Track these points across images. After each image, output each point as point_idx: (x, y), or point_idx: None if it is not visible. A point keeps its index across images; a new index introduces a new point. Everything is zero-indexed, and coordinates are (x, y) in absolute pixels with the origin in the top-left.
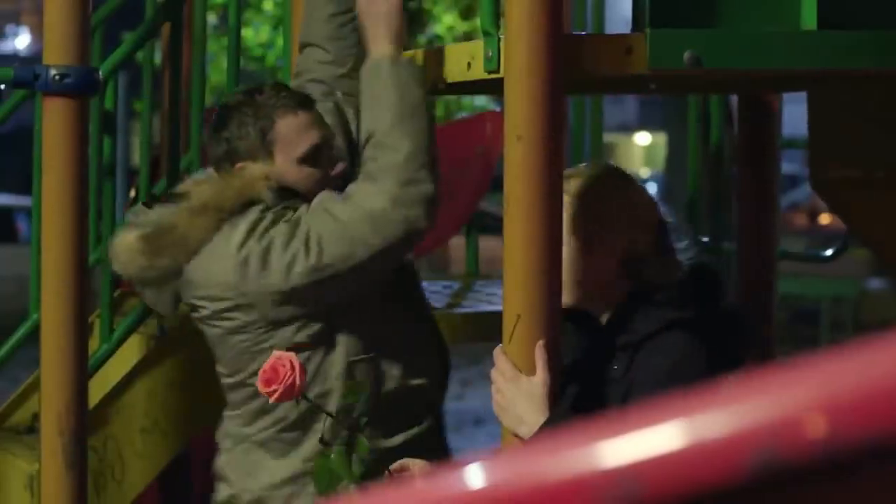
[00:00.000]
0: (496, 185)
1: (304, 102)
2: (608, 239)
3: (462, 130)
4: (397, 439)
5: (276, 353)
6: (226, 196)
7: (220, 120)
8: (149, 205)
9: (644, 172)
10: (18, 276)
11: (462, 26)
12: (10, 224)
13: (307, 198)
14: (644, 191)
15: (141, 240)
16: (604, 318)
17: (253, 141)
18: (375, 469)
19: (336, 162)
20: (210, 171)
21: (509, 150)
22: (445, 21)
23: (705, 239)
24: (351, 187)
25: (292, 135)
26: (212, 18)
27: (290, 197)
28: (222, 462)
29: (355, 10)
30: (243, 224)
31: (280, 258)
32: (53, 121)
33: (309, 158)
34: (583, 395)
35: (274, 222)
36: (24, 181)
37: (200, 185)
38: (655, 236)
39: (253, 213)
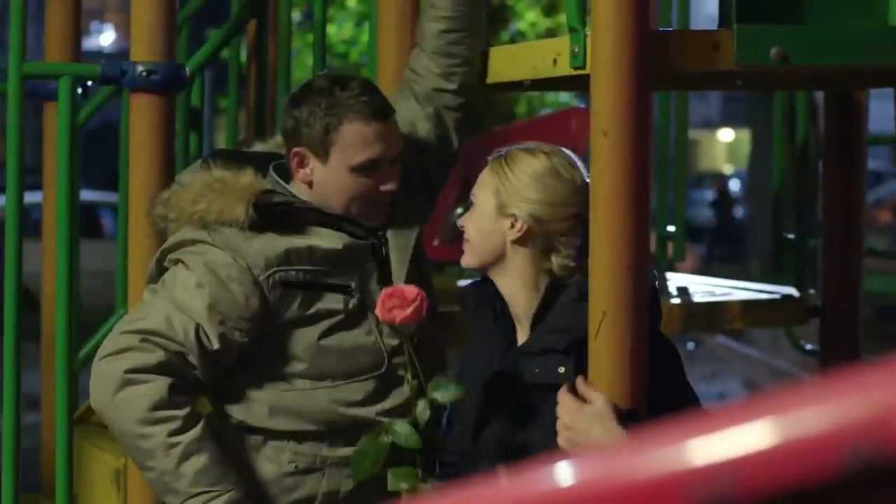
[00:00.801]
0: None
1: (381, 112)
2: (517, 208)
3: (546, 127)
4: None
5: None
6: (209, 213)
7: (299, 96)
8: (205, 163)
9: (727, 169)
10: (103, 271)
11: (545, 23)
12: (95, 220)
13: (293, 220)
14: (576, 185)
15: (160, 200)
16: (520, 309)
17: (316, 133)
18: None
19: (389, 179)
20: (278, 138)
21: (595, 146)
22: (528, 17)
23: (790, 235)
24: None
25: (355, 142)
26: (295, 15)
27: (270, 223)
28: None
29: (468, 28)
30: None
31: (168, 282)
32: (140, 117)
33: (363, 169)
34: (544, 405)
35: (191, 265)
36: (109, 177)
37: (213, 180)
38: (571, 226)
39: (210, 239)
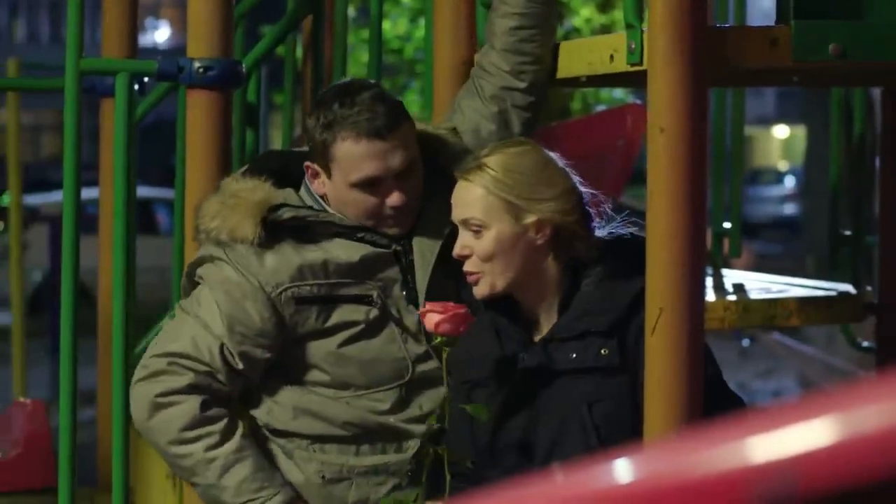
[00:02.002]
0: (635, 178)
1: (377, 130)
2: (538, 212)
3: (602, 123)
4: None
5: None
6: (222, 230)
7: (314, 104)
8: (252, 164)
9: (782, 165)
10: (159, 267)
11: (599, 19)
12: (150, 216)
13: (315, 229)
14: (561, 165)
15: (196, 207)
16: (540, 305)
17: (318, 148)
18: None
19: (394, 194)
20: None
21: (652, 143)
22: (583, 13)
23: (847, 232)
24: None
25: (348, 161)
26: (351, 11)
27: (284, 237)
28: None
29: (540, 25)
30: (211, 255)
31: (195, 300)
32: (197, 113)
33: (362, 186)
34: (577, 389)
35: (215, 281)
36: (164, 173)
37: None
38: (580, 212)
39: (225, 256)
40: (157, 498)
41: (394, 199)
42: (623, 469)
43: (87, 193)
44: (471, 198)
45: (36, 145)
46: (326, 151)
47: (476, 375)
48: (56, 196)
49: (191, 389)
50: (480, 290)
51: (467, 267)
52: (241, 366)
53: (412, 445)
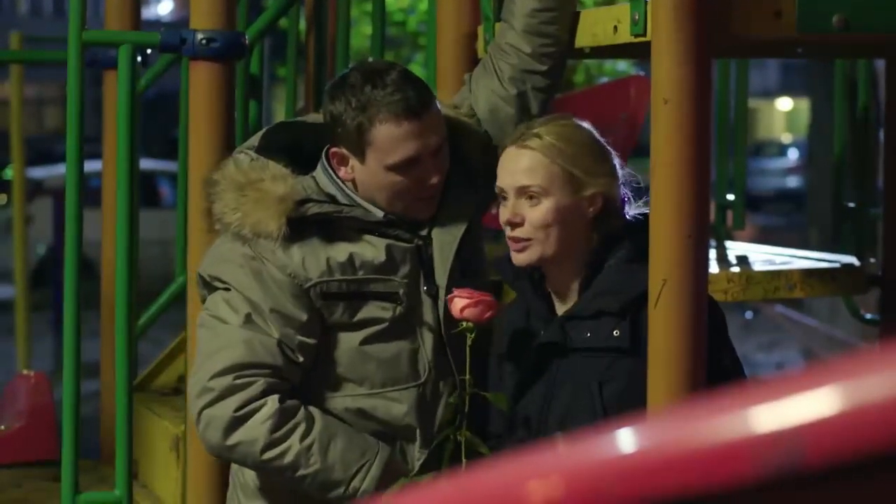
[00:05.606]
0: (639, 150)
1: (413, 109)
2: (596, 185)
3: (606, 95)
4: None
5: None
6: (244, 226)
7: (334, 90)
8: (263, 138)
9: (786, 138)
10: (161, 240)
11: None
12: (153, 188)
13: (339, 222)
14: (604, 142)
15: (208, 181)
16: (566, 280)
17: (350, 133)
18: None
19: (432, 173)
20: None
21: (656, 114)
22: None
23: (851, 204)
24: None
25: (387, 143)
26: None
27: (309, 230)
28: None
29: (562, 6)
30: (232, 254)
31: (225, 306)
32: (200, 85)
33: (401, 168)
34: (590, 367)
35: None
36: (166, 146)
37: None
38: (621, 189)
39: (245, 250)
40: (160, 470)
41: (434, 177)
42: (628, 438)
43: (91, 166)
44: (531, 164)
45: (39, 118)
46: (362, 135)
47: (504, 349)
48: (60, 169)
49: (264, 394)
50: (527, 258)
51: (517, 233)
52: (301, 359)
53: (426, 442)
